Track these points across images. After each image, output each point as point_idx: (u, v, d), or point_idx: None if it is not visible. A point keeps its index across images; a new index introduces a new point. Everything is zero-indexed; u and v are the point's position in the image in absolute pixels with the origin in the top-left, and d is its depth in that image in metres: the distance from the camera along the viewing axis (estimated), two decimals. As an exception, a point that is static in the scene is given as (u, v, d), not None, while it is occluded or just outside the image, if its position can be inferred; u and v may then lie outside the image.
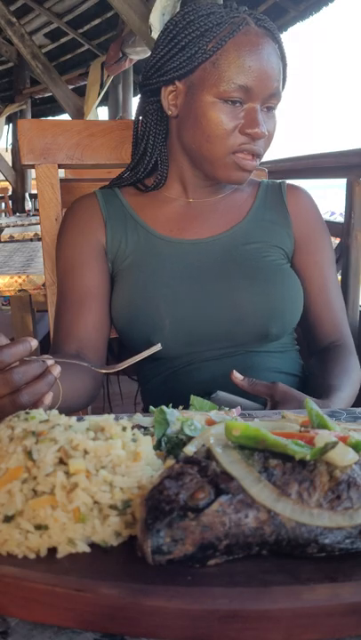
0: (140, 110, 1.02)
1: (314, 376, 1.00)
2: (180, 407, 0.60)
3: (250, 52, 0.87)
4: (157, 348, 0.76)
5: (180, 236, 1.00)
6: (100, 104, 5.50)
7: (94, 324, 0.95)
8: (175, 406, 0.58)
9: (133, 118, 1.05)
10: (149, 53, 0.98)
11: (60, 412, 0.50)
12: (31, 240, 3.69)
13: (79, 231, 1.01)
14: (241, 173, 0.93)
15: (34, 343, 0.63)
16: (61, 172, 1.14)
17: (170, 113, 0.96)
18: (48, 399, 0.64)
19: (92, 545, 0.42)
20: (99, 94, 5.06)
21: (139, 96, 1.03)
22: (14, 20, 5.35)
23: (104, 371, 0.75)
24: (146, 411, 1.04)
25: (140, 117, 1.02)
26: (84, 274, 0.97)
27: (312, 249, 1.05)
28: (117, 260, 1.00)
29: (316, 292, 1.04)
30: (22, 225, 4.85)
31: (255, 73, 0.87)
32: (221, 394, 0.82)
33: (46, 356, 0.67)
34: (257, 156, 0.93)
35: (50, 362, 0.65)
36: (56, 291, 1.05)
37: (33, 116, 7.75)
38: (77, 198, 1.06)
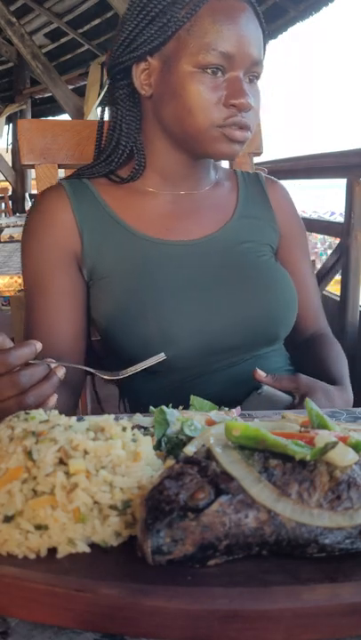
0: (110, 98, 0.94)
1: (306, 364, 0.97)
2: (180, 407, 0.60)
3: (227, 16, 0.81)
4: (161, 357, 0.74)
5: (168, 237, 0.92)
6: (100, 104, 5.49)
7: (70, 340, 0.87)
8: (175, 406, 0.58)
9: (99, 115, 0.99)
10: None
11: None
12: (31, 240, 3.68)
13: (47, 234, 0.91)
14: (232, 146, 0.86)
15: (39, 346, 0.64)
16: (61, 172, 1.14)
17: (144, 93, 0.88)
18: (52, 401, 0.65)
19: (92, 545, 0.42)
20: (99, 94, 5.07)
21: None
22: (14, 20, 5.35)
23: (108, 377, 0.75)
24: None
25: (111, 107, 0.93)
26: (56, 285, 0.88)
27: (293, 244, 1.03)
28: (97, 266, 0.90)
29: (298, 284, 1.00)
30: (22, 225, 4.85)
31: (235, 38, 0.81)
32: (267, 388, 0.81)
33: (50, 359, 0.67)
34: (246, 128, 0.85)
35: (54, 364, 0.66)
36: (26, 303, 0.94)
37: (33, 116, 7.75)
38: (42, 192, 0.96)
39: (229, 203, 0.99)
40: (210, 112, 0.83)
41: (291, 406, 0.81)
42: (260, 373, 0.82)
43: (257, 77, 0.87)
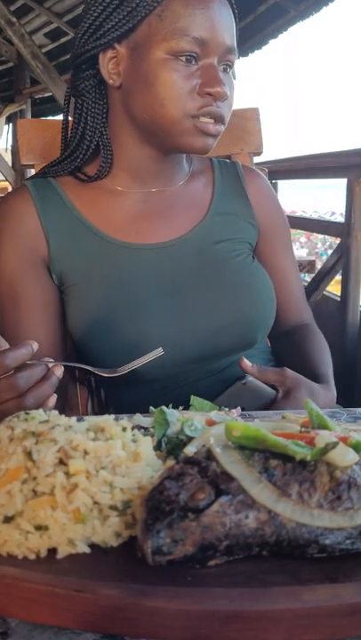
0: (73, 90, 0.88)
1: (289, 357, 0.96)
2: (180, 407, 0.60)
3: (200, 1, 0.77)
4: (159, 352, 0.73)
5: (139, 241, 0.87)
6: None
7: (44, 349, 0.81)
8: (175, 407, 0.58)
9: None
10: None
11: None
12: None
13: (12, 242, 0.86)
14: (205, 139, 0.81)
15: (35, 346, 0.63)
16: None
17: (112, 82, 0.83)
18: (52, 401, 0.64)
19: (92, 545, 0.42)
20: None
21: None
22: (14, 19, 5.35)
23: (106, 375, 0.74)
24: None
25: (76, 99, 0.88)
26: (27, 293, 0.85)
27: (273, 238, 0.99)
28: (67, 272, 0.86)
29: (280, 278, 0.98)
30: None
31: (209, 23, 0.77)
32: (251, 379, 0.79)
33: (47, 358, 0.67)
34: (220, 119, 0.81)
35: (52, 364, 0.65)
36: None
37: (33, 116, 7.75)
38: (5, 196, 0.92)
39: (204, 199, 0.94)
40: (183, 101, 0.78)
41: (273, 401, 0.80)
42: (247, 363, 0.80)
43: (230, 66, 0.83)
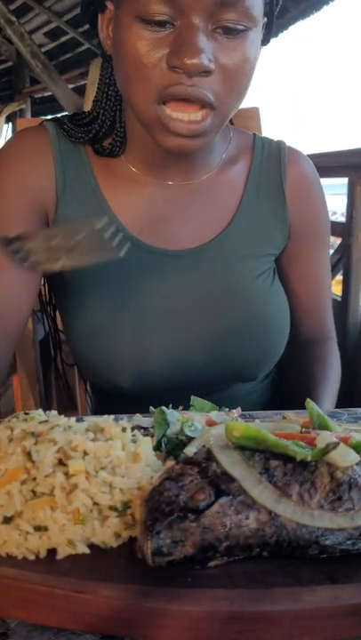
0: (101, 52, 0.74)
1: (293, 373, 0.86)
2: (181, 408, 0.60)
3: None
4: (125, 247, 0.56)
5: (154, 242, 0.75)
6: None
7: (7, 297, 0.71)
8: (175, 407, 0.58)
9: None
10: None
11: None
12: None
13: (15, 182, 0.72)
14: (172, 138, 0.63)
15: None
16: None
17: (106, 49, 0.69)
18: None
19: (92, 546, 0.42)
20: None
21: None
22: (14, 19, 5.35)
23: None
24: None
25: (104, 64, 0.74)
26: (9, 229, 0.70)
27: (307, 240, 0.85)
28: None
29: (304, 289, 0.87)
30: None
31: None
32: None
33: None
34: (198, 102, 0.60)
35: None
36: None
37: (33, 116, 7.74)
38: (19, 131, 0.79)
39: (232, 196, 0.79)
40: (146, 79, 0.60)
41: None
42: None
43: (239, 27, 0.60)
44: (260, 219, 0.81)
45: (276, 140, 0.86)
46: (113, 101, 0.74)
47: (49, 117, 0.82)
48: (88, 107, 0.80)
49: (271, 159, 0.82)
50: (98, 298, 0.75)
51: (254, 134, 0.85)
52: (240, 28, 0.61)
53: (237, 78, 0.63)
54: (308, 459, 0.42)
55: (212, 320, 0.76)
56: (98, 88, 0.76)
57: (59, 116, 0.81)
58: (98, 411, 0.94)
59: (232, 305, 0.77)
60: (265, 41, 0.70)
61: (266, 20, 0.68)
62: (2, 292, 0.73)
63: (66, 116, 0.79)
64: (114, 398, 0.81)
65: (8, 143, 0.77)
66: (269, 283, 0.81)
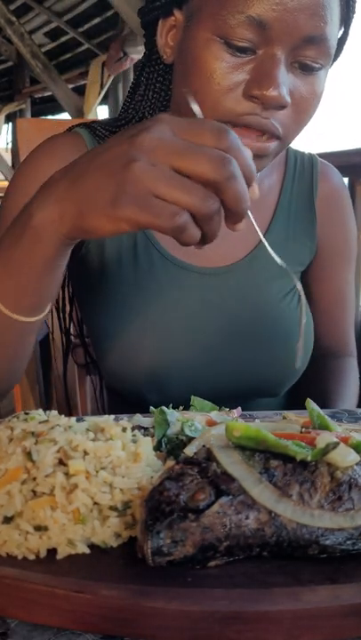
0: (144, 60, 0.73)
1: (309, 387, 0.85)
2: (181, 408, 0.60)
3: None
4: None
5: (187, 259, 0.75)
6: (101, 103, 5.50)
7: None
8: (175, 407, 0.58)
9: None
10: None
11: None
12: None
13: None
14: None
15: None
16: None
17: (164, 57, 0.67)
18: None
19: (92, 546, 0.42)
20: (99, 94, 5.07)
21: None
22: (14, 19, 5.35)
23: None
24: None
25: (143, 72, 0.73)
26: None
27: (334, 257, 0.85)
28: (98, 255, 0.73)
29: (327, 305, 0.87)
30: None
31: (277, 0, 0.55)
32: None
33: None
34: (270, 134, 0.61)
35: None
36: None
37: (33, 116, 7.75)
38: (52, 136, 0.76)
39: (265, 214, 0.78)
40: (218, 102, 0.60)
41: None
42: None
43: (313, 67, 0.60)
44: (290, 237, 0.80)
45: (307, 152, 0.85)
46: (160, 107, 0.72)
47: (80, 122, 0.81)
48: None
49: (304, 174, 0.82)
50: (127, 311, 0.75)
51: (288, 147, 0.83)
52: (317, 65, 0.61)
53: (306, 114, 0.64)
54: (308, 459, 0.42)
55: (239, 339, 0.76)
56: (133, 90, 0.74)
57: (89, 120, 0.81)
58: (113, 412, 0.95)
59: (260, 325, 0.77)
60: None
61: None
62: None
63: (97, 122, 0.79)
64: (135, 406, 0.80)
65: (40, 148, 0.75)
66: (295, 305, 0.80)
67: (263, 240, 0.51)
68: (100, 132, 0.76)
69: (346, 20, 0.63)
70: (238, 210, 0.44)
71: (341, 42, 0.67)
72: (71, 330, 0.94)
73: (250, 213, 0.46)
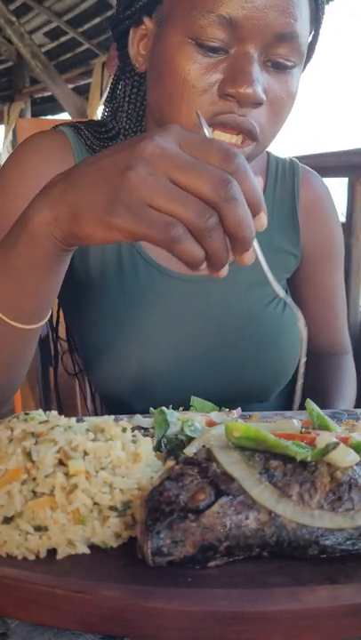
0: (118, 73, 0.73)
1: (305, 385, 0.88)
2: (181, 408, 0.60)
3: None
4: None
5: (170, 265, 0.75)
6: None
7: None
8: (175, 408, 0.58)
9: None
10: None
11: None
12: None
13: (37, 175, 0.67)
14: None
15: None
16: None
17: (137, 66, 0.67)
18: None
19: (92, 546, 0.42)
20: (100, 94, 5.07)
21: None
22: (14, 19, 5.35)
23: None
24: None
25: (119, 81, 0.73)
26: None
27: (320, 261, 0.86)
28: (82, 262, 0.73)
29: (318, 309, 0.87)
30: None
31: None
32: None
33: None
34: (245, 133, 0.60)
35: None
36: None
37: (33, 116, 7.74)
38: (35, 134, 0.75)
39: None
40: (193, 102, 0.59)
41: None
42: None
43: (288, 64, 0.60)
44: (274, 244, 0.80)
45: (289, 159, 0.85)
46: (136, 117, 0.72)
47: (64, 122, 0.80)
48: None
49: (285, 181, 0.82)
50: (111, 316, 0.74)
51: (268, 153, 0.83)
52: (289, 64, 0.61)
53: (282, 112, 0.63)
54: (308, 459, 0.42)
55: (225, 345, 0.76)
56: (110, 102, 0.75)
57: (73, 120, 0.80)
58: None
59: (245, 331, 0.77)
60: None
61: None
62: None
63: (81, 122, 0.78)
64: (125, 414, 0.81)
65: (25, 144, 0.75)
66: (282, 308, 0.80)
67: (270, 277, 0.51)
68: (83, 132, 0.76)
69: (316, 20, 0.63)
70: (238, 235, 0.42)
71: (313, 43, 0.67)
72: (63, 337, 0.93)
73: (256, 245, 0.45)
